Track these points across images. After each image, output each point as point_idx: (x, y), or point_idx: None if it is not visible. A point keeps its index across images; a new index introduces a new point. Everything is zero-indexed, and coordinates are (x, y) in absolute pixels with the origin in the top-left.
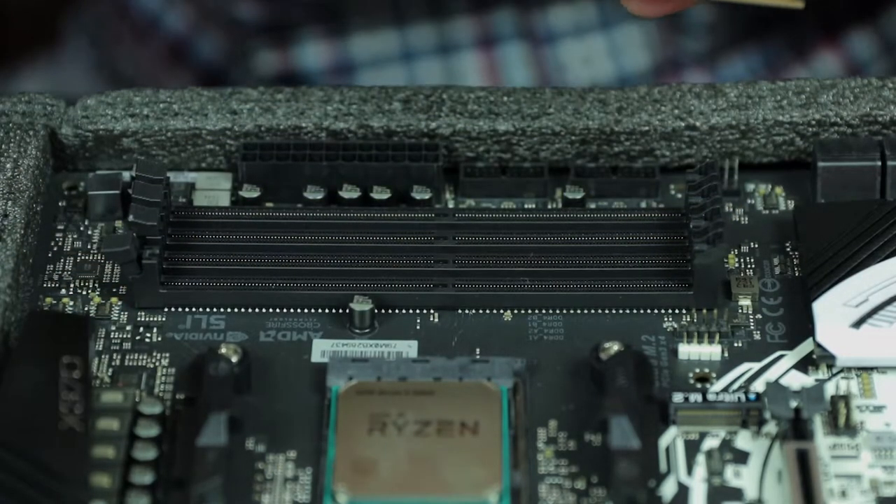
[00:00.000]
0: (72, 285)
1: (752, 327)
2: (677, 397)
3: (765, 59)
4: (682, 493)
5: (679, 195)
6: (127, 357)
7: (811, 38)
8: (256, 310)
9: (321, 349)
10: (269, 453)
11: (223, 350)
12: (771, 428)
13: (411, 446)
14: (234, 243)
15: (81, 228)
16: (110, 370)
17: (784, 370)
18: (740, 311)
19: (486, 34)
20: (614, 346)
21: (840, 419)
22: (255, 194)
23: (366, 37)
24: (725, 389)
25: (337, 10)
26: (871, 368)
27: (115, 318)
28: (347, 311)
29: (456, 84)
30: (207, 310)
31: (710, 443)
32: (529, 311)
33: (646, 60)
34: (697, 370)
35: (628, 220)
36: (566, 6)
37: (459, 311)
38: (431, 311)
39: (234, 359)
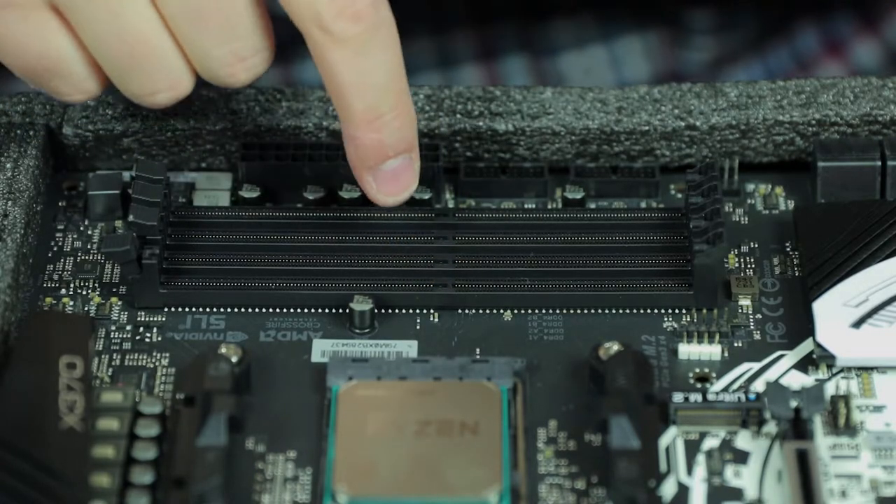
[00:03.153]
0: (72, 285)
1: (752, 327)
2: (677, 397)
3: (766, 71)
4: (682, 493)
5: (679, 195)
6: (127, 357)
7: (814, 50)
8: (256, 310)
9: (321, 349)
10: (269, 453)
11: (223, 350)
12: (771, 428)
13: (411, 446)
14: (234, 243)
15: (81, 228)
16: (110, 370)
17: (784, 370)
18: (740, 311)
19: (487, 47)
20: (614, 346)
21: (840, 419)
22: (255, 194)
23: None
24: (725, 389)
25: None
26: (871, 368)
27: (115, 318)
28: (347, 311)
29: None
30: (207, 310)
31: (710, 443)
32: (529, 311)
33: (647, 72)
34: (697, 370)
35: (628, 220)
36: (567, 18)
37: (459, 311)
38: (431, 311)
39: (234, 359)
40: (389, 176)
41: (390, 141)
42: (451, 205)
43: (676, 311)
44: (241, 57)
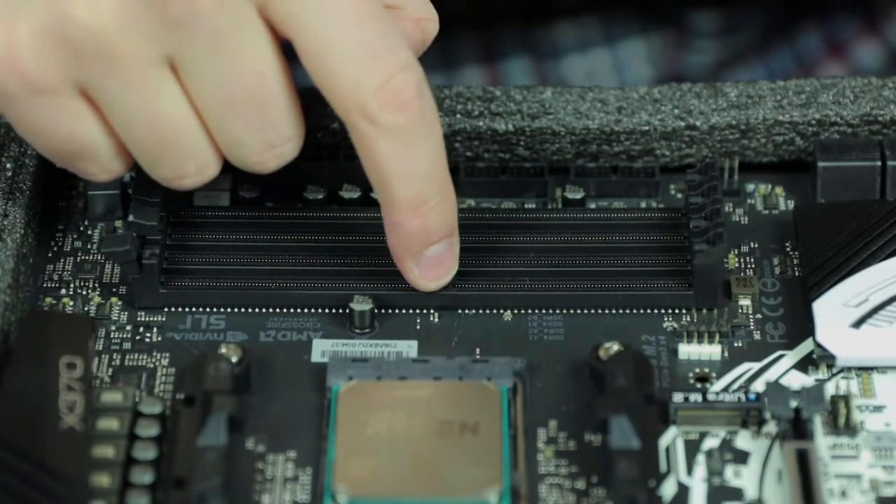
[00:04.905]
0: (72, 285)
1: (752, 327)
2: (677, 397)
3: (768, 73)
4: (682, 493)
5: (679, 195)
6: (127, 357)
7: (816, 51)
8: (256, 310)
9: (321, 349)
10: (269, 453)
11: (223, 350)
12: (771, 428)
13: (411, 446)
14: (234, 243)
15: (81, 228)
16: (110, 370)
17: (784, 370)
18: (740, 311)
19: (490, 49)
20: (614, 346)
21: (840, 419)
22: (255, 194)
23: None
24: (725, 389)
25: None
26: (871, 368)
27: (115, 318)
28: (347, 311)
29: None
30: (207, 310)
31: (710, 443)
32: (529, 311)
33: (649, 75)
34: (697, 370)
35: (628, 220)
36: (570, 21)
37: (459, 311)
38: (431, 311)
39: (234, 359)
40: (432, 262)
41: (434, 227)
42: None
43: (676, 311)
44: (271, 145)
